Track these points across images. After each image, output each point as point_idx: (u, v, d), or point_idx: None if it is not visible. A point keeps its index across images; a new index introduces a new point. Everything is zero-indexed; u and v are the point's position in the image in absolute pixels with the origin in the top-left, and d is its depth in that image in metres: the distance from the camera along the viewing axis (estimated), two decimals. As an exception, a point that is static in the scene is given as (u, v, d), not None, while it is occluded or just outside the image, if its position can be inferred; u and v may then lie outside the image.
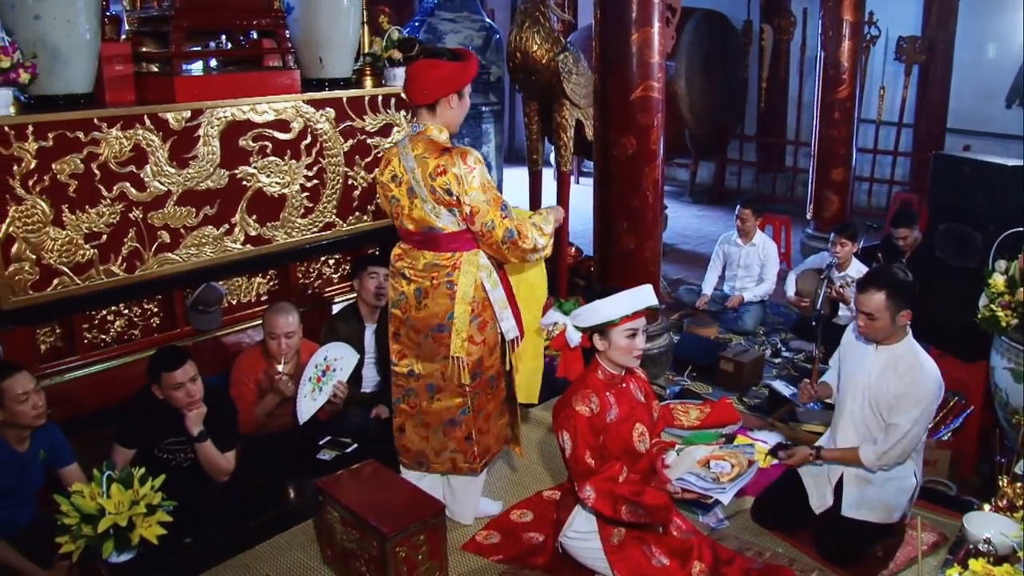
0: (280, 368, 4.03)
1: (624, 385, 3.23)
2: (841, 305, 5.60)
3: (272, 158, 4.51)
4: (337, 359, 4.11)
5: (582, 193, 9.11)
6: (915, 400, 3.22)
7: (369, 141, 4.97)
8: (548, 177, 7.91)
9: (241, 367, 4.10)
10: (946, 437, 4.15)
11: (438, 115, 3.26)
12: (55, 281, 3.81)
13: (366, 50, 5.22)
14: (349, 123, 4.85)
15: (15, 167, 3.61)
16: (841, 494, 3.43)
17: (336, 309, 4.92)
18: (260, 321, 4.45)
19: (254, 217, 4.49)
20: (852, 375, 3.45)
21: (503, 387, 3.55)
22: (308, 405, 3.98)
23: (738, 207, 6.38)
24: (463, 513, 3.69)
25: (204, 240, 4.30)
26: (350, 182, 4.91)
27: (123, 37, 4.46)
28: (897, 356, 3.30)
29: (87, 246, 3.89)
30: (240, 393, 4.00)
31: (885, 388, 3.30)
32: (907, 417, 3.22)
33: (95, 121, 3.83)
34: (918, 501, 3.62)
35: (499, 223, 3.20)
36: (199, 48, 4.60)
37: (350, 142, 4.87)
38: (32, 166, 3.66)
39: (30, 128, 3.63)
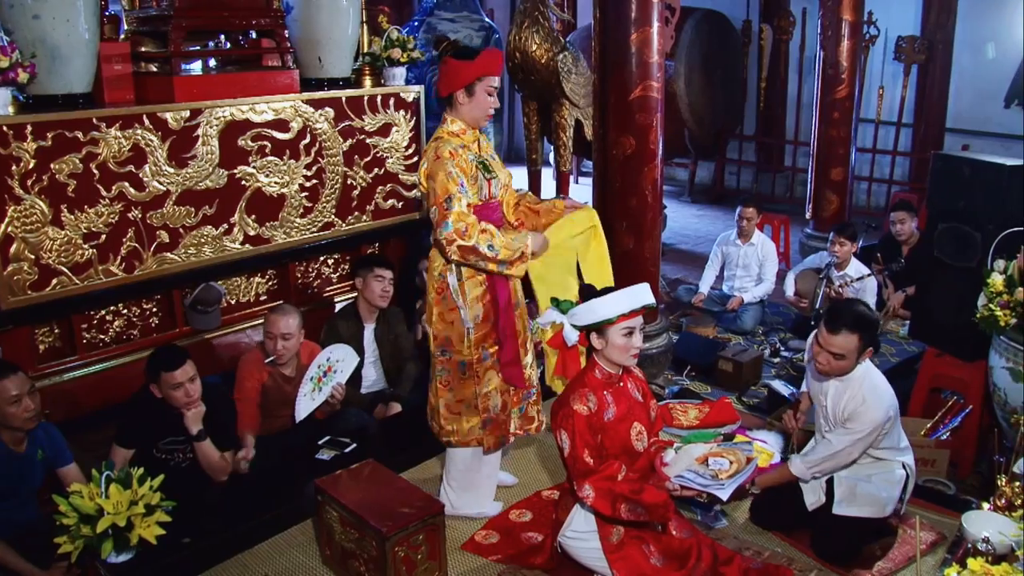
0: (276, 361, 4.04)
1: (622, 384, 3.23)
2: (840, 305, 5.60)
3: (271, 158, 4.52)
4: (339, 361, 4.11)
5: (581, 193, 9.11)
6: (853, 429, 3.33)
7: (368, 141, 4.97)
8: (547, 177, 7.91)
9: (245, 370, 4.07)
10: (945, 437, 4.15)
11: (453, 109, 3.44)
12: (54, 281, 3.81)
13: (365, 50, 5.22)
14: (348, 123, 4.85)
15: (14, 167, 3.61)
16: (832, 493, 3.45)
17: (338, 309, 4.92)
18: (259, 321, 4.45)
19: (253, 217, 4.49)
20: (816, 396, 3.57)
21: (475, 386, 3.51)
22: (306, 404, 3.98)
23: (739, 207, 6.38)
24: (448, 498, 3.70)
25: (203, 240, 4.30)
26: (349, 182, 4.91)
27: (122, 37, 4.47)
28: (849, 382, 3.39)
29: (86, 246, 3.89)
30: (244, 395, 3.99)
31: (839, 411, 3.41)
32: (842, 439, 3.35)
33: (94, 121, 3.83)
34: (917, 500, 3.63)
35: (440, 213, 3.25)
36: (198, 48, 4.60)
37: (349, 142, 4.87)
38: (31, 166, 3.66)
39: (29, 128, 3.63)
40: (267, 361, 4.02)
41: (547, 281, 3.56)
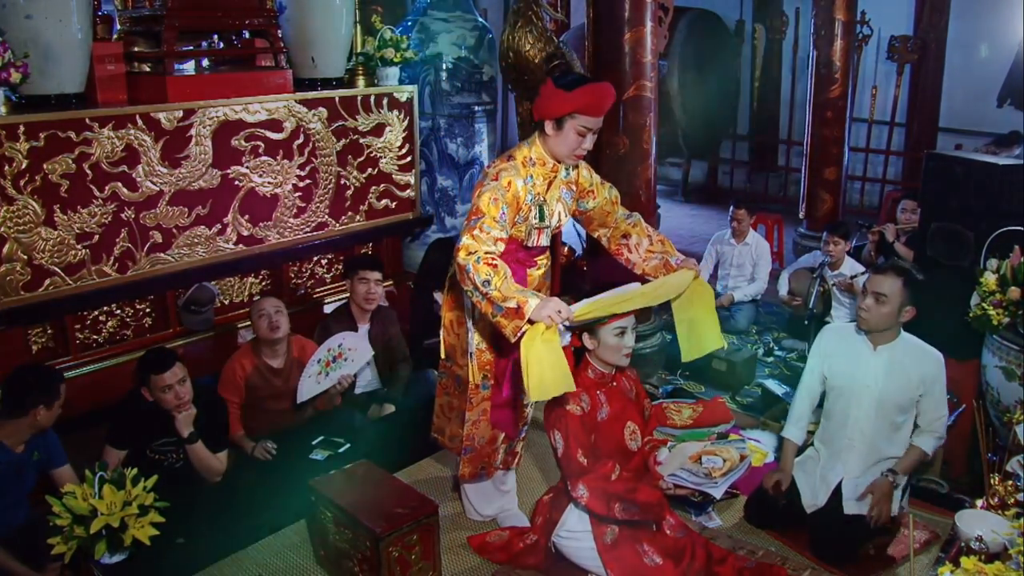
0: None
1: (615, 384, 3.23)
2: (834, 304, 5.61)
3: (264, 158, 4.51)
4: (351, 349, 4.06)
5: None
6: (941, 384, 3.37)
7: (362, 141, 4.97)
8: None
9: (231, 367, 4.05)
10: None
11: (541, 134, 3.16)
12: (47, 281, 3.81)
13: (359, 50, 5.22)
14: (342, 123, 4.84)
15: (6, 167, 3.61)
16: (834, 495, 3.44)
17: (327, 310, 4.91)
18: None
19: (246, 217, 4.48)
20: (850, 383, 3.43)
21: (466, 410, 3.35)
22: (311, 386, 3.93)
23: (732, 208, 6.38)
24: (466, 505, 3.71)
25: (196, 240, 4.30)
26: (343, 182, 4.90)
27: (115, 37, 4.46)
28: (901, 353, 3.35)
29: (79, 246, 3.88)
30: (227, 392, 3.97)
31: (896, 388, 3.34)
32: (942, 402, 3.40)
33: (87, 121, 3.83)
34: (911, 499, 3.64)
35: (465, 225, 2.97)
36: (191, 48, 4.60)
37: (343, 142, 4.87)
38: (23, 166, 3.65)
39: (21, 128, 3.62)
40: (250, 339, 4.03)
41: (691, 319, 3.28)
